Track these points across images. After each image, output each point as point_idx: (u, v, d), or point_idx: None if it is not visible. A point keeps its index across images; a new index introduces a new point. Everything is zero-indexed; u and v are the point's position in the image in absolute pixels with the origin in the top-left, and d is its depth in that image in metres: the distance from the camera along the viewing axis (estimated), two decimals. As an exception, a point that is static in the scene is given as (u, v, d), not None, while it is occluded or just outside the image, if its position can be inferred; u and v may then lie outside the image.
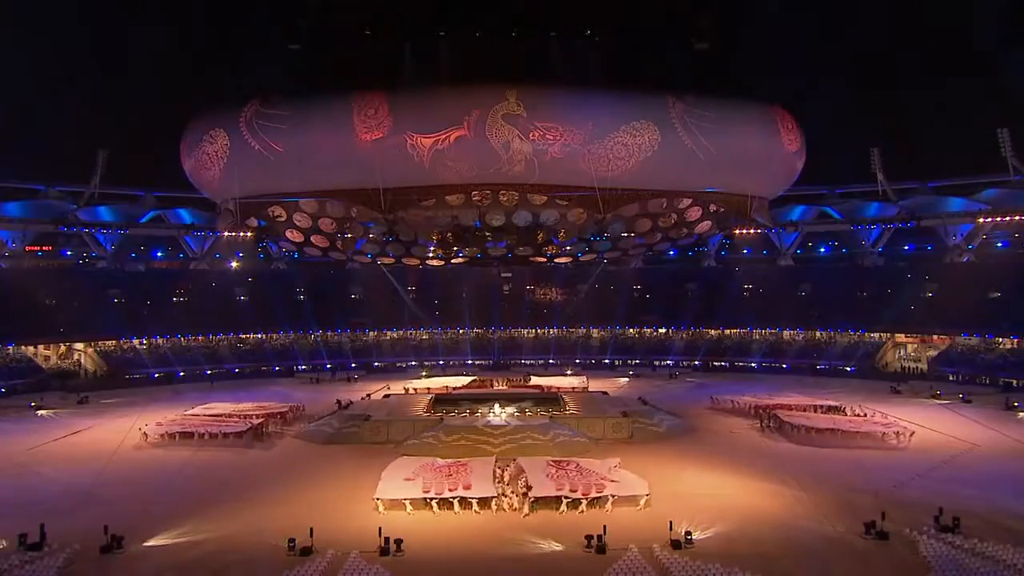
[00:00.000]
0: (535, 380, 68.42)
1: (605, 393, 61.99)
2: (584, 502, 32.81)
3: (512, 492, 34.34)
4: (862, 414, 51.23)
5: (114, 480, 38.26)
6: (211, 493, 35.74)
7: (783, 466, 39.74)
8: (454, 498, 32.92)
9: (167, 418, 50.94)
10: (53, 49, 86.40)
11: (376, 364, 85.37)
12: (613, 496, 33.22)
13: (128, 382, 73.51)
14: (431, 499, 32.92)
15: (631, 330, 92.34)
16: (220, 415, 52.40)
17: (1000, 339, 73.45)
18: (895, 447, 43.45)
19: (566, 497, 32.97)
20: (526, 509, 32.35)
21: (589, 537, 28.36)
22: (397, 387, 65.58)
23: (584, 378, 69.29)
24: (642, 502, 33.14)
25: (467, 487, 33.74)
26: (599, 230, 49.17)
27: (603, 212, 43.70)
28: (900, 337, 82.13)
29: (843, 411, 52.52)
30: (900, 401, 60.37)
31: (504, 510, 32.64)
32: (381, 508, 32.61)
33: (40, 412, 57.93)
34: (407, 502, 32.82)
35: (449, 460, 38.54)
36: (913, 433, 44.99)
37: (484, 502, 32.89)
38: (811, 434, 45.23)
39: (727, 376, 77.02)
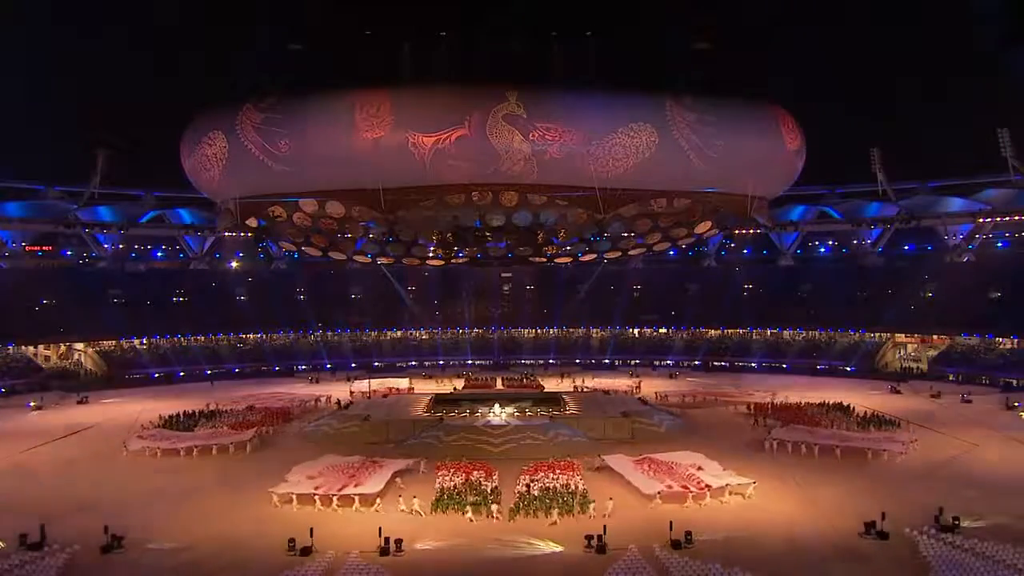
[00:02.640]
0: (589, 382, 68.93)
1: (607, 393, 62.17)
2: (708, 495, 33.72)
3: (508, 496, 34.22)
4: (868, 413, 51.32)
5: (114, 480, 38.31)
6: (211, 493, 35.73)
7: (782, 466, 39.79)
8: (334, 495, 33.48)
9: (149, 429, 48.64)
10: (53, 49, 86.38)
11: (376, 364, 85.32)
12: (729, 485, 34.35)
13: (128, 382, 73.54)
14: (315, 495, 33.59)
15: (631, 330, 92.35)
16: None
17: (1000, 339, 73.44)
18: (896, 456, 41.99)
19: (684, 491, 33.83)
20: (505, 516, 31.77)
21: (589, 537, 28.37)
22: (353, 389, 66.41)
23: (638, 380, 69.79)
24: (750, 490, 34.19)
25: (357, 484, 34.35)
26: (599, 230, 49.10)
27: (603, 212, 43.66)
28: (900, 337, 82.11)
29: (850, 410, 52.64)
30: (900, 401, 60.40)
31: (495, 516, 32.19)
32: (276, 501, 33.55)
33: (36, 411, 57.89)
34: (294, 496, 33.64)
35: (367, 458, 39.57)
36: (904, 453, 42.11)
37: (366, 499, 33.30)
38: (801, 449, 43.10)
39: (727, 376, 76.91)
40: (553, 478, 35.75)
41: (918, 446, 43.30)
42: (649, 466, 37.54)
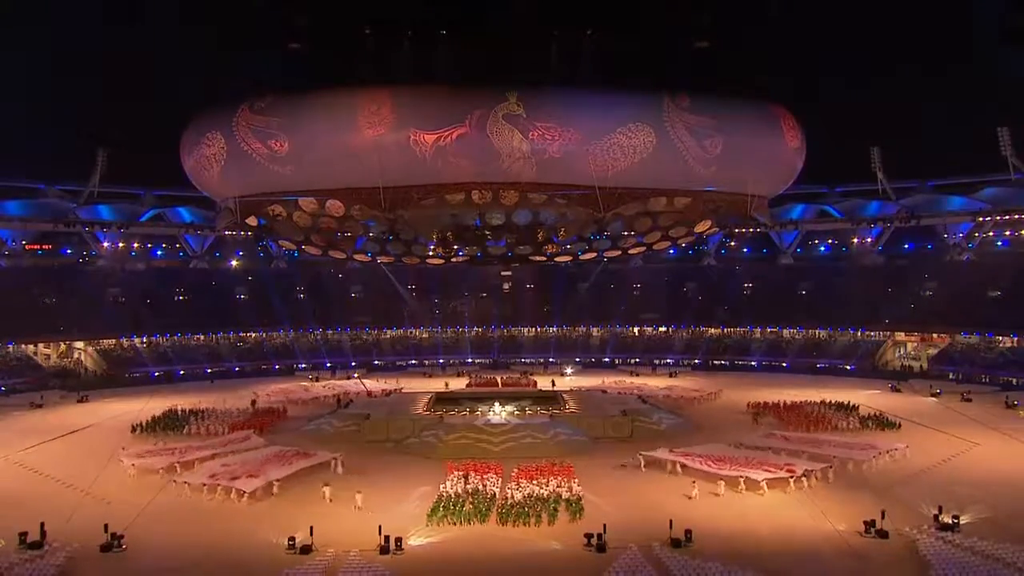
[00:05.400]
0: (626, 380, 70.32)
1: (604, 391, 62.25)
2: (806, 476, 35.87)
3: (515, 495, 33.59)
4: (870, 413, 51.35)
5: (114, 478, 38.25)
6: (211, 490, 35.70)
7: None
8: (218, 485, 34.94)
9: (129, 450, 43.02)
10: (53, 48, 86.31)
11: (376, 363, 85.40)
12: (814, 471, 36.53)
13: (128, 381, 73.52)
14: (204, 485, 35.20)
15: (631, 329, 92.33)
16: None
17: (1000, 337, 73.45)
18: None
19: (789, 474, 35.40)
20: (494, 517, 31.29)
21: (589, 536, 28.40)
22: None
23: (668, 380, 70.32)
24: (831, 474, 36.62)
25: (252, 475, 35.52)
26: (599, 229, 49.22)
27: (602, 211, 43.76)
28: (900, 336, 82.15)
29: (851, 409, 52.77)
30: (900, 400, 60.42)
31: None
32: (188, 491, 35.27)
33: (36, 410, 57.97)
34: (187, 484, 35.53)
35: (294, 450, 41.70)
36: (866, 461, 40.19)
37: (240, 494, 34.01)
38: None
39: (727, 375, 76.94)
40: (543, 483, 34.49)
41: (908, 453, 41.50)
42: (704, 458, 38.26)
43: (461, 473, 36.41)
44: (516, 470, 37.21)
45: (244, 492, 34.05)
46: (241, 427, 49.66)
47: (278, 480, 35.98)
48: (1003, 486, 35.56)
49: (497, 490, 34.39)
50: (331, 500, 33.61)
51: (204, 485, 35.22)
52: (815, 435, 46.41)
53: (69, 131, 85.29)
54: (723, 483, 35.17)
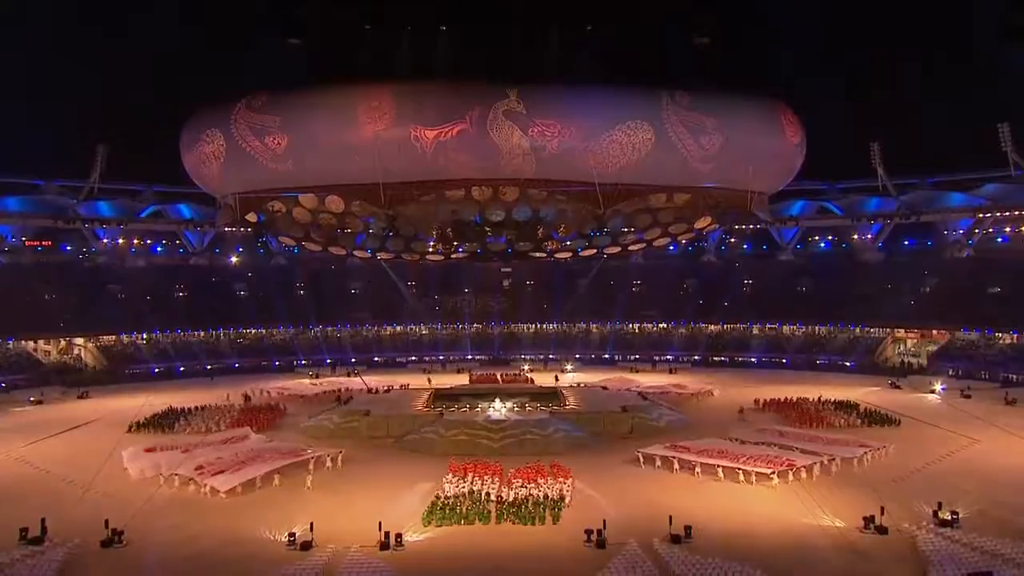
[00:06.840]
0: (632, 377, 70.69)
1: (605, 388, 62.24)
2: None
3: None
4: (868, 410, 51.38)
5: (114, 474, 38.34)
6: (211, 487, 35.75)
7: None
8: (191, 478, 35.78)
9: (141, 446, 42.99)
10: (53, 45, 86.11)
11: (376, 359, 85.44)
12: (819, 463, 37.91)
13: (128, 377, 73.59)
14: (191, 479, 35.91)
15: (631, 325, 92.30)
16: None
17: (999, 334, 73.47)
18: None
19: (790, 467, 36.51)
20: (493, 517, 31.20)
21: (589, 531, 28.46)
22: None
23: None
24: (835, 467, 37.91)
25: (236, 469, 35.99)
26: (599, 226, 49.22)
27: (602, 208, 43.79)
28: (900, 332, 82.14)
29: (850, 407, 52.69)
30: (900, 396, 60.44)
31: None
32: (176, 483, 36.09)
33: (36, 406, 58.01)
34: (176, 477, 36.40)
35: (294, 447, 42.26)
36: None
37: (215, 491, 34.41)
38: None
39: (727, 371, 76.97)
40: (542, 485, 34.11)
41: (893, 451, 41.25)
42: (704, 453, 38.94)
43: (460, 476, 36.07)
44: (512, 471, 36.82)
45: (220, 491, 34.15)
46: (237, 423, 49.68)
47: (260, 476, 36.06)
48: (1003, 482, 35.62)
49: (494, 490, 34.18)
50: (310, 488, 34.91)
51: (190, 479, 35.54)
52: (809, 431, 46.56)
53: (69, 127, 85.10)
54: (741, 473, 35.91)
